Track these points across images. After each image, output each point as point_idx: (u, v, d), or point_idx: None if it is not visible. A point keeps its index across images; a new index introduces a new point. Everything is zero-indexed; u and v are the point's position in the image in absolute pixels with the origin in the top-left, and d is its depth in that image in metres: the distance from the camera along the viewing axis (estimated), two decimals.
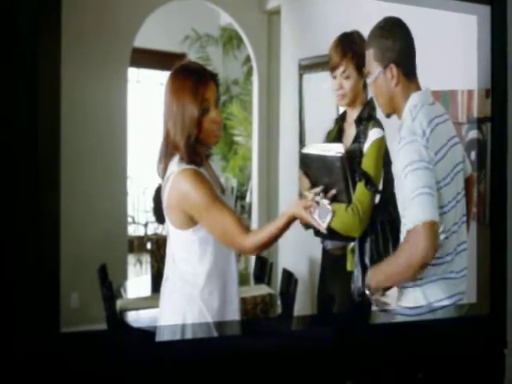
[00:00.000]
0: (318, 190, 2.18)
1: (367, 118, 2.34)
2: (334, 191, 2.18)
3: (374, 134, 2.32)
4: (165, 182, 2.02)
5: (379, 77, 2.09)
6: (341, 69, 2.36)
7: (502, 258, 2.72)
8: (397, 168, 2.04)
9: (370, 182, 2.24)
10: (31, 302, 1.92)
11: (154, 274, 3.44)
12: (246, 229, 2.01)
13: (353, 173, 2.22)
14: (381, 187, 2.29)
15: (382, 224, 2.25)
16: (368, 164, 2.28)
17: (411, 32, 2.11)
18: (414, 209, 1.97)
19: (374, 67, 2.10)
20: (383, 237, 2.25)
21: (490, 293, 2.67)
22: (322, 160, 2.19)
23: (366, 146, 2.31)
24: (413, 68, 2.11)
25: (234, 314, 2.11)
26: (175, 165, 2.00)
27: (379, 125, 2.32)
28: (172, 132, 2.01)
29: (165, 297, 2.11)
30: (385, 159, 2.30)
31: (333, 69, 2.39)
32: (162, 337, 2.09)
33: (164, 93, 2.04)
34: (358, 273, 2.30)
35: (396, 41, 2.07)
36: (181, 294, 2.06)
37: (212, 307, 2.05)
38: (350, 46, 2.33)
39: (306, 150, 2.28)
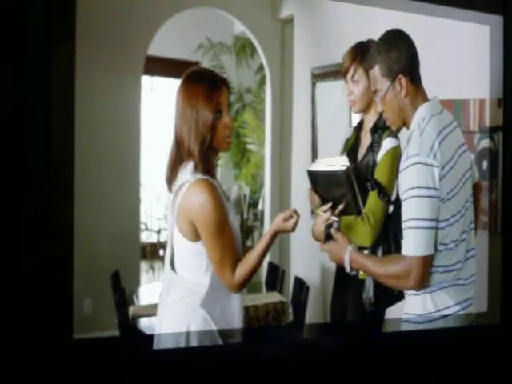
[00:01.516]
0: (326, 207, 2.20)
1: (382, 127, 2.33)
2: (341, 206, 2.20)
3: (388, 144, 2.31)
4: (176, 190, 1.99)
5: (388, 91, 2.07)
6: (350, 73, 2.37)
7: None
8: (400, 187, 2.03)
9: (382, 191, 2.24)
10: (44, 308, 1.93)
11: None
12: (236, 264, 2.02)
13: (361, 183, 2.23)
14: (394, 196, 2.26)
15: (395, 233, 2.25)
16: (381, 173, 2.27)
17: (413, 40, 2.11)
18: (409, 240, 1.98)
19: (381, 83, 2.08)
20: (395, 246, 2.24)
21: (501, 302, 2.67)
22: (327, 176, 2.20)
23: (380, 155, 2.30)
24: (419, 76, 2.11)
25: (237, 322, 2.10)
26: (189, 173, 1.97)
27: (394, 134, 2.30)
28: (186, 138, 1.98)
29: (166, 306, 2.08)
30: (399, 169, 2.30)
31: (344, 74, 2.40)
32: (164, 346, 2.07)
33: (176, 99, 2.03)
34: (369, 283, 2.30)
35: (400, 51, 2.06)
36: (183, 302, 2.03)
37: (215, 315, 2.02)
38: (361, 52, 2.33)
39: (311, 168, 2.28)
